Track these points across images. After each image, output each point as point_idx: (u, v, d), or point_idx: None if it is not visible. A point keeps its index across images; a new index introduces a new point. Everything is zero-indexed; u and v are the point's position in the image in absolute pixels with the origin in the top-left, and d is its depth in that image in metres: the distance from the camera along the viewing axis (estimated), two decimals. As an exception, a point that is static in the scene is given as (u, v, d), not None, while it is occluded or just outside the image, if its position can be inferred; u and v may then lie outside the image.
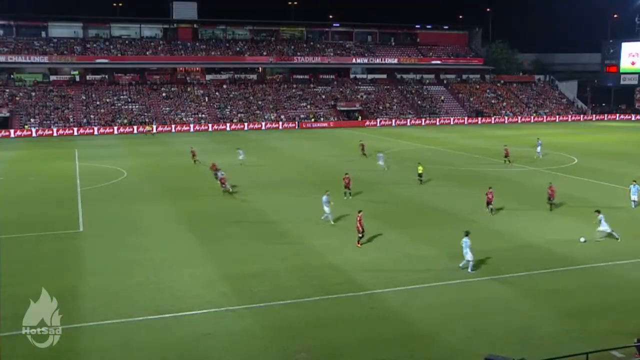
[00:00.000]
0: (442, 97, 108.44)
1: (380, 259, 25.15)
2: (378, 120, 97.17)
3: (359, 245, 26.74)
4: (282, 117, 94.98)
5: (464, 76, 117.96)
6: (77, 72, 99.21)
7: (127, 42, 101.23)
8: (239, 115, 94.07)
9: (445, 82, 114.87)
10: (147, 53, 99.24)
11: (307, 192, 39.51)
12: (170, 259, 25.29)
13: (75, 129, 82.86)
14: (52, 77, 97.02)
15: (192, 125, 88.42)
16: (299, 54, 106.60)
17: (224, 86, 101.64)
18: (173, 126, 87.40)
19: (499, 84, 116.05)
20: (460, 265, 23.48)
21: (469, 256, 23.22)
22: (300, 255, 25.81)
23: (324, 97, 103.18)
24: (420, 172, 42.15)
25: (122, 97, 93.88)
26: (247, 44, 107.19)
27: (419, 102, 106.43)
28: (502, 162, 50.40)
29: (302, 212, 33.83)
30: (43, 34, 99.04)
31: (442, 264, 24.42)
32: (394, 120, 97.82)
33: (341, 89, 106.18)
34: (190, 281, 22.55)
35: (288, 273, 23.44)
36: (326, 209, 30.77)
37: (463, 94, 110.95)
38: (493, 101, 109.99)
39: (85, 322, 18.91)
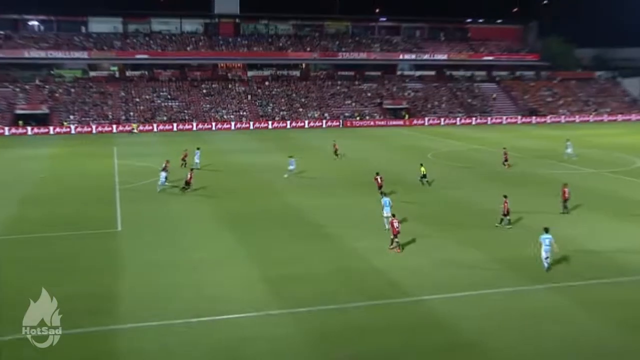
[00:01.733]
0: (494, 95, 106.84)
1: (426, 263, 25.06)
2: (426, 119, 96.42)
3: (397, 250, 26.59)
4: (326, 115, 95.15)
5: (518, 73, 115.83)
6: (116, 68, 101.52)
7: (167, 37, 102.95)
8: (281, 112, 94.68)
9: (497, 79, 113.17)
10: (188, 48, 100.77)
11: (350, 193, 39.59)
12: (209, 260, 25.69)
13: (114, 126, 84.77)
14: (92, 73, 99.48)
15: (233, 123, 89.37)
16: (343, 49, 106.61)
17: (266, 83, 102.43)
18: (213, 124, 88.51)
19: (555, 81, 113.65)
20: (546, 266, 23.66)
21: (544, 254, 23.45)
22: (343, 258, 25.91)
23: (369, 94, 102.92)
24: (423, 172, 41.99)
25: (161, 93, 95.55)
26: (290, 39, 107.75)
27: (469, 100, 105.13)
28: (504, 166, 49.47)
29: (345, 213, 33.91)
30: (83, 29, 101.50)
31: (491, 270, 24.19)
32: (442, 119, 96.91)
33: (387, 86, 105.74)
34: (229, 283, 22.87)
35: (330, 276, 23.54)
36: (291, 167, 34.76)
37: (516, 91, 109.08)
38: (549, 99, 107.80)
39: (122, 324, 19.35)
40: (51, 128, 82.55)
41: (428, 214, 33.71)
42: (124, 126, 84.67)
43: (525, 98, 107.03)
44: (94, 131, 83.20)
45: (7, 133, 79.69)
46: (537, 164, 52.03)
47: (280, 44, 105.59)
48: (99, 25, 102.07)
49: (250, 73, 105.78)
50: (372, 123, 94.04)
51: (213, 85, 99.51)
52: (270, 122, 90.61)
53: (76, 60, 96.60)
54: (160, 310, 20.33)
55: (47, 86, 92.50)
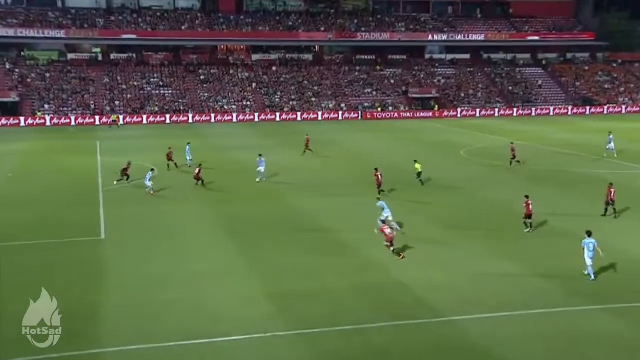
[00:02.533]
0: (540, 82, 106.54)
1: (457, 277, 25.17)
2: (459, 110, 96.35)
3: (398, 255, 27.22)
4: (343, 105, 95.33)
5: (569, 55, 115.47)
6: (99, 50, 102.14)
7: (158, 14, 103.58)
8: (291, 103, 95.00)
9: (544, 62, 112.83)
10: (183, 28, 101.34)
11: (370, 195, 39.61)
12: (207, 273, 25.92)
13: (97, 117, 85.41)
14: (70, 56, 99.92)
15: (235, 115, 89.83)
16: (363, 29, 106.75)
17: (274, 68, 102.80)
18: (212, 115, 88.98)
19: (614, 65, 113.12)
20: (586, 273, 24.52)
21: (589, 261, 24.16)
22: (361, 270, 26.05)
23: (392, 82, 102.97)
24: (418, 170, 42.78)
25: (152, 80, 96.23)
26: (301, 17, 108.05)
27: (510, 87, 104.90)
28: (515, 163, 49.69)
29: (364, 218, 33.95)
30: (59, 4, 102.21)
31: (532, 286, 24.23)
32: (478, 110, 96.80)
33: (414, 72, 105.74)
34: (230, 299, 23.07)
35: (347, 292, 23.67)
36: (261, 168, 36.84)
37: (567, 77, 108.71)
38: (606, 86, 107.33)
39: (104, 347, 19.50)
40: (22, 119, 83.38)
41: (459, 220, 33.81)
42: (108, 117, 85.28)
43: (577, 85, 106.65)
44: (73, 123, 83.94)
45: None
46: (590, 162, 51.87)
47: (290, 23, 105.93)
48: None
49: (255, 57, 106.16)
50: (395, 115, 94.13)
51: (212, 71, 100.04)
52: (278, 114, 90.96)
53: (51, 40, 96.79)
54: (150, 331, 20.53)
55: (16, 70, 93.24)
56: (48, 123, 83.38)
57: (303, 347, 19.50)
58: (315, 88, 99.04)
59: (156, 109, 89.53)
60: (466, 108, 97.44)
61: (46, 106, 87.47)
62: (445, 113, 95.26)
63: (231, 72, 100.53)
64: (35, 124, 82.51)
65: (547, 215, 33.74)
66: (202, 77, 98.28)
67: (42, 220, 34.10)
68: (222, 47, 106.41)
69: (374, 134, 72.65)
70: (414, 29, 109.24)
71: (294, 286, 24.33)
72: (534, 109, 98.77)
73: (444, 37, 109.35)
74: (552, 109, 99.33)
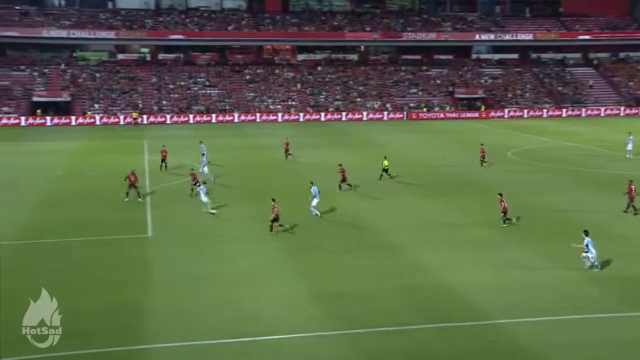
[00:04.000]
0: (591, 82, 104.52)
1: (504, 280, 24.86)
2: (506, 111, 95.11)
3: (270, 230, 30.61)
4: (388, 105, 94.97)
5: (622, 54, 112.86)
6: (147, 50, 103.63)
7: (205, 15, 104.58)
8: (335, 102, 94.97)
9: (595, 62, 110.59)
10: (229, 28, 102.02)
11: (416, 197, 39.44)
12: (251, 273, 26.04)
13: (145, 116, 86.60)
14: (119, 56, 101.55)
15: (280, 114, 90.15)
16: (409, 29, 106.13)
17: (319, 68, 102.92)
18: (258, 115, 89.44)
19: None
20: (587, 269, 25.04)
21: (592, 255, 25.00)
22: (405, 271, 25.93)
23: (438, 82, 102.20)
24: (385, 166, 43.80)
25: (199, 80, 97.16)
26: (346, 17, 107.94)
27: (560, 87, 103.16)
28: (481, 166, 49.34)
29: (409, 220, 33.86)
30: (110, 5, 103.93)
31: (582, 291, 23.83)
32: (525, 111, 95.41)
33: (460, 73, 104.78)
34: (273, 300, 23.13)
35: (390, 293, 23.58)
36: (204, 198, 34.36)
37: (619, 77, 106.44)
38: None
39: (149, 344, 19.79)
40: (73, 118, 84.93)
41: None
42: (156, 117, 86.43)
43: (630, 85, 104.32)
44: (121, 122, 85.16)
45: (23, 123, 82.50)
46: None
47: (336, 23, 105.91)
48: (128, 0, 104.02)
49: (300, 56, 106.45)
50: (441, 115, 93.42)
51: (257, 71, 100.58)
52: (322, 114, 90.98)
53: (102, 41, 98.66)
54: (195, 329, 20.70)
55: (68, 70, 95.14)
56: (97, 122, 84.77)
57: (347, 348, 19.43)
58: (360, 88, 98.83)
59: (202, 108, 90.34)
60: (513, 108, 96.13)
61: (96, 105, 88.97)
62: (492, 114, 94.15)
63: (276, 72, 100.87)
64: (85, 123, 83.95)
65: (597, 220, 33.13)
66: (247, 77, 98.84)
67: (90, 218, 34.63)
68: (268, 47, 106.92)
69: (419, 135, 72.20)
70: (461, 28, 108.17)
71: (339, 287, 24.24)
72: (583, 110, 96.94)
73: (491, 37, 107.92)
74: (602, 109, 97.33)
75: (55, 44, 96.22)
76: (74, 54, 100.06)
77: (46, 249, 29.65)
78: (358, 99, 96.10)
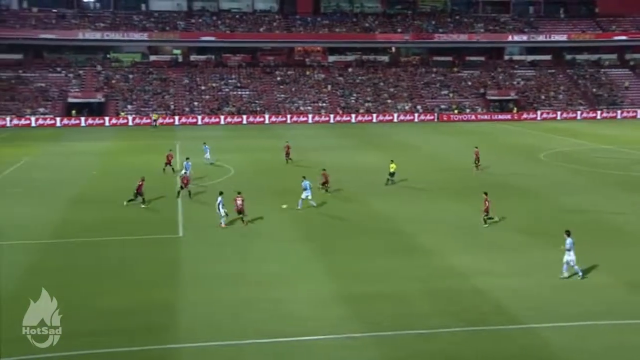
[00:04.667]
0: (627, 83, 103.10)
1: (537, 284, 24.64)
2: (538, 113, 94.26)
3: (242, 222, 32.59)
4: (418, 107, 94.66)
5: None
6: (179, 52, 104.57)
7: (237, 16, 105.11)
8: (366, 104, 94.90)
9: (631, 63, 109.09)
10: (260, 30, 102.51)
11: (448, 200, 39.29)
12: (282, 273, 26.16)
13: (177, 117, 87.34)
14: (152, 57, 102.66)
15: (310, 116, 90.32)
16: (440, 30, 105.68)
17: (349, 69, 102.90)
18: (288, 116, 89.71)
19: None
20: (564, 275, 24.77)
21: (567, 258, 24.68)
22: (437, 274, 25.84)
23: (470, 83, 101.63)
24: (392, 170, 43.16)
25: (230, 81, 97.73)
26: (377, 18, 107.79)
27: (594, 89, 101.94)
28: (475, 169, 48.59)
29: (441, 222, 33.72)
30: (143, 7, 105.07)
31: (618, 296, 23.55)
32: (559, 113, 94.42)
33: (492, 74, 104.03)
34: (305, 300, 23.23)
35: (422, 296, 23.52)
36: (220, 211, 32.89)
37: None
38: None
39: (181, 343, 19.96)
40: (107, 119, 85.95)
41: (540, 226, 33.09)
42: (187, 118, 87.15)
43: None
44: (153, 123, 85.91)
45: (58, 124, 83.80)
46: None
47: (367, 24, 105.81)
48: (161, 2, 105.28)
49: (331, 58, 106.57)
50: (472, 117, 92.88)
51: (288, 72, 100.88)
52: (353, 115, 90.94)
53: (135, 42, 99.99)
54: (226, 329, 20.86)
55: (102, 72, 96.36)
56: (130, 123, 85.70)
57: (377, 350, 19.43)
58: (391, 89, 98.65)
59: (233, 109, 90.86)
60: (546, 110, 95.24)
61: (129, 106, 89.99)
62: (524, 115, 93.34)
63: (307, 73, 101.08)
64: (118, 123, 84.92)
65: (633, 224, 32.72)
66: (278, 79, 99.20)
67: (123, 217, 35.06)
68: (299, 48, 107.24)
69: (450, 137, 71.85)
70: (493, 29, 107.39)
71: (370, 289, 24.26)
72: (619, 112, 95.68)
73: (524, 38, 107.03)
74: (639, 111, 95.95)
75: (90, 45, 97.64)
76: (108, 56, 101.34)
77: (80, 247, 30.08)
78: (389, 101, 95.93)
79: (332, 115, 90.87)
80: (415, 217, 35.30)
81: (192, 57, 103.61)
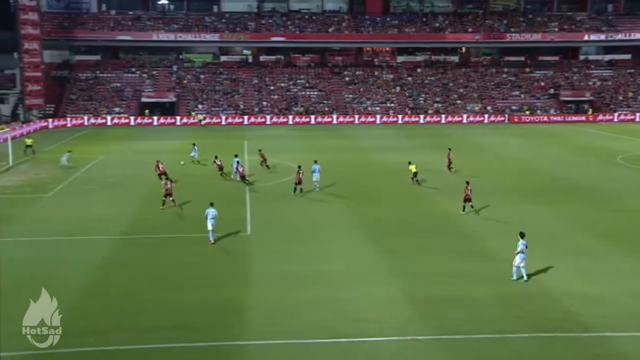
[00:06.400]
0: None
1: (613, 292, 23.96)
2: (615, 114, 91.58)
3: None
4: (489, 108, 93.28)
5: None
6: (249, 52, 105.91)
7: (306, 17, 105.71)
8: (435, 105, 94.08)
9: None
10: (329, 30, 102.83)
11: (520, 202, 38.58)
12: (348, 274, 26.15)
13: (245, 117, 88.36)
14: (223, 58, 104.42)
15: (378, 117, 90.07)
16: (512, 30, 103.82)
17: (418, 70, 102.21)
18: (356, 117, 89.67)
19: None
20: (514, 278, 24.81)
21: (517, 261, 24.69)
22: (504, 278, 25.35)
23: (542, 84, 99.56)
24: (414, 171, 44.13)
25: (299, 81, 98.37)
26: (448, 18, 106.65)
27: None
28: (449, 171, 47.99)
29: (510, 225, 33.08)
30: (215, 9, 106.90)
31: (699, 306, 22.59)
32: (638, 114, 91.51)
33: (566, 74, 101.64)
34: (370, 301, 23.15)
35: (490, 300, 23.17)
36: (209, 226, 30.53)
37: None
38: None
39: (247, 340, 20.23)
40: (178, 118, 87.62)
41: (616, 231, 32.15)
42: (256, 118, 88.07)
43: None
44: (223, 122, 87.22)
45: (132, 123, 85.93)
46: None
47: (437, 24, 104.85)
48: (232, 4, 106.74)
49: (400, 58, 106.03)
50: (545, 118, 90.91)
51: (357, 73, 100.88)
52: (421, 116, 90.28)
53: (207, 43, 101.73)
54: (291, 327, 20.99)
55: (175, 72, 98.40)
56: (201, 122, 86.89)
57: (442, 353, 19.24)
58: (461, 90, 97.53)
59: (301, 109, 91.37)
60: (624, 112, 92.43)
61: (199, 106, 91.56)
62: (600, 117, 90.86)
63: (376, 73, 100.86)
64: (189, 123, 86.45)
65: None
66: (347, 79, 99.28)
67: (194, 215, 35.52)
68: (368, 48, 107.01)
69: (522, 139, 70.48)
70: (569, 28, 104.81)
71: (436, 291, 24.04)
72: None
73: (602, 37, 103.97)
74: None
75: (163, 46, 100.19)
76: (181, 56, 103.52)
77: (151, 243, 30.76)
78: (458, 102, 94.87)
79: (400, 116, 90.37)
80: (485, 218, 34.77)
81: (262, 58, 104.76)
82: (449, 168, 48.44)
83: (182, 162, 51.88)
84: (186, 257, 28.49)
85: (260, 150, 51.03)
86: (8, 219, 34.85)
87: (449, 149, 50.11)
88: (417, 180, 43.91)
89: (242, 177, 44.15)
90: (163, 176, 42.83)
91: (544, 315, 21.79)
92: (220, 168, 46.68)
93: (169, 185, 37.43)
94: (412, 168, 44.25)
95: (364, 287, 24.59)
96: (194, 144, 54.17)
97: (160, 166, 44.94)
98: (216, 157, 47.90)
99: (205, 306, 22.71)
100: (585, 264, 27.12)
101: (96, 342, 19.76)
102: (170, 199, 37.25)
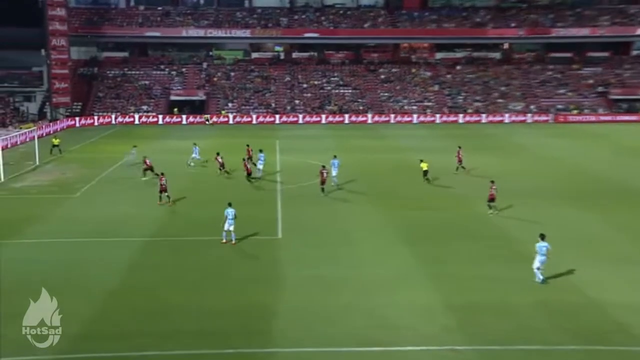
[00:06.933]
0: None
1: (665, 302, 23.39)
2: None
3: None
4: (532, 107, 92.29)
5: None
6: (281, 49, 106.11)
7: (341, 12, 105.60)
8: (475, 104, 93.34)
9: None
10: (365, 26, 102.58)
11: (563, 206, 38.01)
12: (383, 279, 25.99)
13: (277, 116, 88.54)
14: (254, 55, 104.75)
15: (415, 116, 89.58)
16: (559, 24, 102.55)
17: (458, 67, 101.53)
18: (392, 116, 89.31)
19: None
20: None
21: (537, 264, 25.01)
22: (548, 286, 25.02)
23: (591, 81, 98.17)
24: (424, 169, 44.74)
25: (332, 79, 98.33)
26: (489, 12, 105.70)
27: None
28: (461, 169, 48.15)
29: (554, 231, 32.49)
30: (247, 4, 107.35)
31: None
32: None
33: (617, 71, 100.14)
34: (406, 308, 22.98)
35: (532, 309, 22.84)
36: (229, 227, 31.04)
37: None
38: None
39: (277, 347, 20.17)
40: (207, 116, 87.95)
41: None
42: (288, 117, 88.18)
43: None
44: (254, 121, 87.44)
45: (160, 122, 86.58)
46: None
47: (478, 19, 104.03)
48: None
49: (438, 55, 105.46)
50: (593, 118, 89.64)
51: (393, 70, 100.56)
52: (460, 115, 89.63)
53: (237, 39, 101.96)
54: (323, 334, 20.91)
55: (204, 69, 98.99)
56: (231, 121, 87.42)
57: (483, 365, 18.98)
58: (502, 88, 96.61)
59: (335, 108, 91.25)
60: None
61: (230, 104, 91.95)
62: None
63: (413, 71, 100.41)
64: (219, 122, 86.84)
65: None
66: (382, 77, 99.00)
67: (220, 217, 35.59)
68: (405, 45, 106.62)
69: (569, 139, 69.56)
70: (620, 22, 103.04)
71: (476, 299, 23.77)
72: None
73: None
74: None
75: (193, 43, 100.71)
76: (210, 53, 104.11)
77: (181, 245, 30.93)
78: (499, 100, 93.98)
79: (438, 115, 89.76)
80: (526, 223, 34.21)
81: (294, 55, 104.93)
82: (459, 167, 48.44)
83: (192, 164, 52.54)
84: (216, 260, 28.60)
85: (248, 146, 51.61)
86: (34, 219, 35.32)
87: (459, 147, 49.81)
88: (427, 179, 44.56)
89: (248, 174, 45.16)
90: (150, 171, 45.75)
91: (591, 326, 21.43)
92: (222, 166, 47.23)
93: (163, 181, 38.56)
94: (424, 166, 44.79)
95: (399, 292, 24.43)
96: (194, 144, 54.14)
97: (148, 161, 46.61)
98: (218, 154, 48.15)
99: (234, 311, 22.74)
100: (633, 273, 26.59)
101: (123, 348, 19.88)
102: (165, 194, 38.53)
